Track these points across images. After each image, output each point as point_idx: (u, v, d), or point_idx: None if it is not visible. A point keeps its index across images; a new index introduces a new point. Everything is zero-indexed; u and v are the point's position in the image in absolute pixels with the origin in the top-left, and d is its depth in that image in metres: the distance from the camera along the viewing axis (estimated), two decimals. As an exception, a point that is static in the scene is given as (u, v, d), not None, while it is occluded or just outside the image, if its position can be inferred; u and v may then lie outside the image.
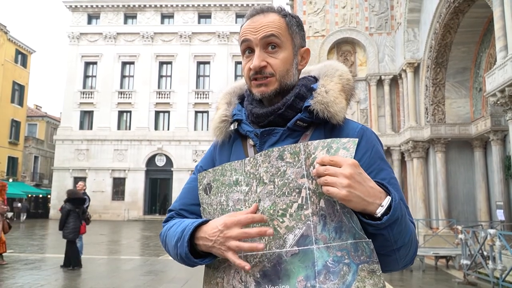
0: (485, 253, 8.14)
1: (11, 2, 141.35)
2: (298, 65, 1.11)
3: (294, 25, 1.09)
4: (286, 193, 0.93)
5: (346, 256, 0.88)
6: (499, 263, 7.38)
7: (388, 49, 16.24)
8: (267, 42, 1.04)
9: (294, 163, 0.94)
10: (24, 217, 32.70)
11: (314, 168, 0.90)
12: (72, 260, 8.94)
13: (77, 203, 9.09)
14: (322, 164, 0.88)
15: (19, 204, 32.79)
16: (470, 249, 8.78)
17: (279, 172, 0.94)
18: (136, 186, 33.86)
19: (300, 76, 1.15)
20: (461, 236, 9.01)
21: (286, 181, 0.93)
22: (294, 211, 0.92)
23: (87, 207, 9.54)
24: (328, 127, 1.05)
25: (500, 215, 10.55)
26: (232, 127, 1.15)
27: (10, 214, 27.33)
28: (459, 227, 9.40)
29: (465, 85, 13.74)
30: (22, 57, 36.87)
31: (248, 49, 1.07)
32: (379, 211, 0.87)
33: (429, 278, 9.11)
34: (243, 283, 0.94)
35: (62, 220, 8.82)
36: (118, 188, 34.05)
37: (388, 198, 0.89)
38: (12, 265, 9.20)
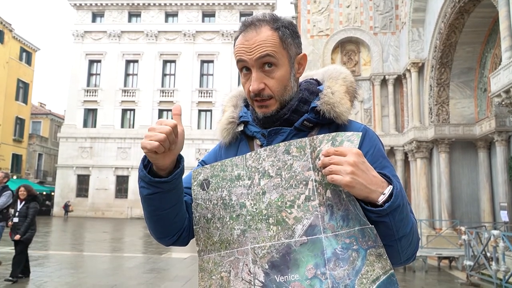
0: (488, 254, 8.11)
1: (16, 0, 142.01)
2: (296, 74, 1.12)
3: (288, 36, 1.07)
4: (294, 186, 0.96)
5: (354, 243, 0.91)
6: (502, 264, 7.37)
7: (393, 49, 16.18)
8: (262, 62, 1.05)
9: (300, 157, 0.97)
10: None
11: (319, 160, 0.93)
12: (26, 267, 7.55)
13: (40, 201, 7.80)
14: (327, 156, 0.91)
15: None
16: (473, 250, 8.75)
17: (286, 165, 0.98)
18: (139, 184, 33.92)
19: (301, 79, 1.18)
20: (464, 237, 8.98)
21: (293, 174, 0.97)
22: (302, 203, 0.95)
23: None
24: (332, 127, 1.09)
25: (503, 216, 10.50)
26: (239, 128, 1.17)
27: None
28: (463, 228, 9.37)
29: (470, 85, 13.69)
30: (26, 55, 37.01)
31: (244, 67, 1.08)
32: (381, 199, 0.91)
33: (432, 279, 9.09)
34: (252, 275, 0.96)
35: (32, 222, 7.30)
36: (122, 186, 34.17)
37: (390, 187, 0.93)
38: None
